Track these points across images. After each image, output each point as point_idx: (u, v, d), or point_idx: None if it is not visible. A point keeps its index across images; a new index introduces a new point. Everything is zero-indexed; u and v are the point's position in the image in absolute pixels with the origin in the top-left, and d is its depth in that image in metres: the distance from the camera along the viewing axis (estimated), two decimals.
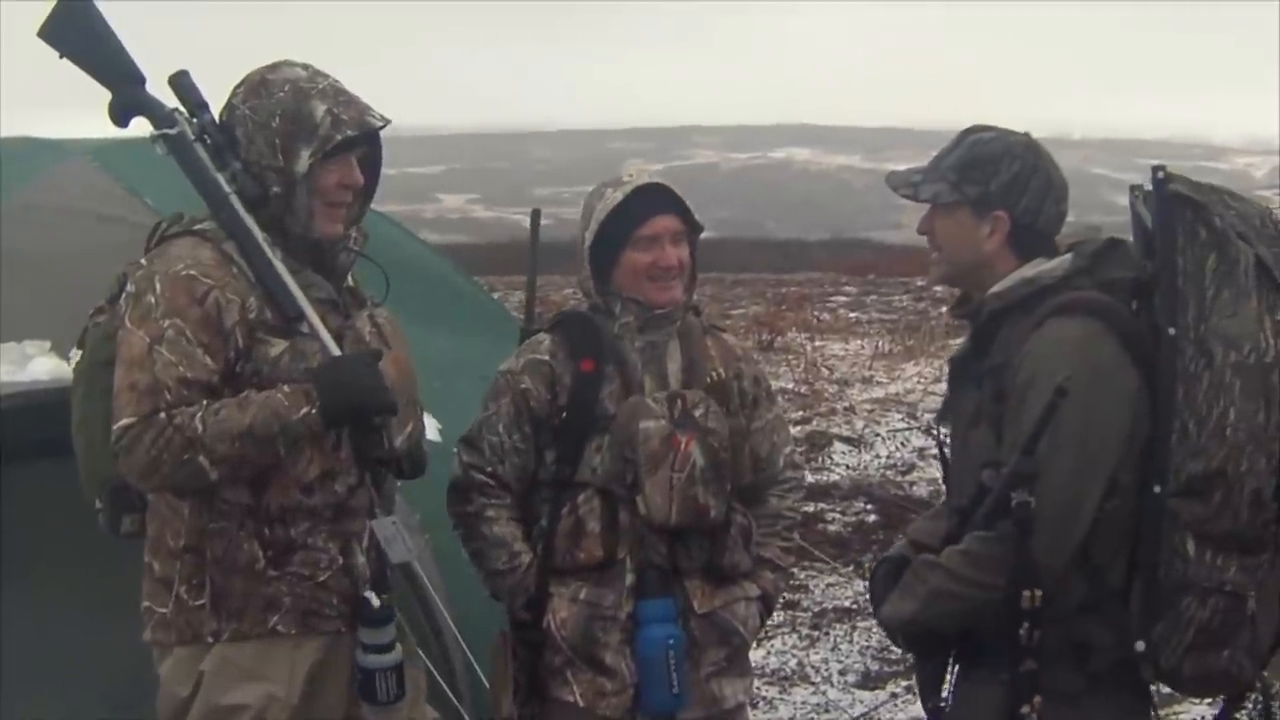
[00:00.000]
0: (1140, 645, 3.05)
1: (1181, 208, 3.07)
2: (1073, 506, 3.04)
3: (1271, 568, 3.06)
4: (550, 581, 3.71)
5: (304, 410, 3.15)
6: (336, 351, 3.23)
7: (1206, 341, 3.00)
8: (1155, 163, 3.23)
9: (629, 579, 3.69)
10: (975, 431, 3.24)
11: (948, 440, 3.42)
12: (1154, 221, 3.10)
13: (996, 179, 3.24)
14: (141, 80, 3.29)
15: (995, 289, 3.23)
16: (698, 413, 3.68)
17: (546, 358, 3.74)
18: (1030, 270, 3.20)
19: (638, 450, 3.62)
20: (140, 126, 3.31)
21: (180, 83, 3.29)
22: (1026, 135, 3.32)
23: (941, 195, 3.30)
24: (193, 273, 3.16)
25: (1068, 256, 3.22)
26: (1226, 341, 2.99)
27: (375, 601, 3.27)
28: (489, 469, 3.73)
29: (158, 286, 3.16)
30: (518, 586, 3.72)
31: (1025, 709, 3.06)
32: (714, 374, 3.81)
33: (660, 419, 3.65)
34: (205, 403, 3.11)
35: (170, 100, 3.29)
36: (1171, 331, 3.03)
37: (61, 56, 3.30)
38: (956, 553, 3.11)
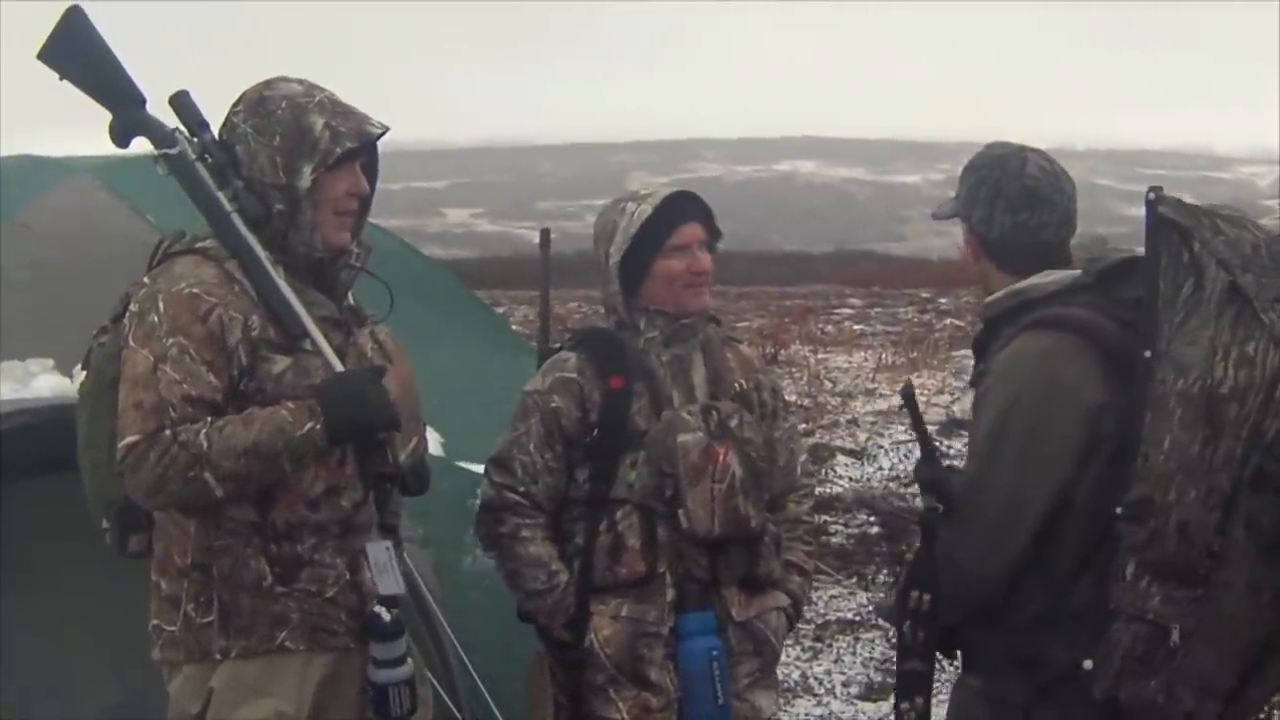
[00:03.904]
0: (1088, 664, 3.04)
1: (1168, 230, 3.04)
2: (1008, 518, 3.07)
3: (1209, 601, 2.97)
4: (590, 600, 3.70)
5: (309, 426, 3.14)
6: (340, 368, 3.23)
7: (1165, 367, 2.97)
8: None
9: (670, 593, 3.69)
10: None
11: None
12: (1145, 243, 3.08)
13: (961, 193, 3.34)
14: (142, 101, 3.29)
15: (989, 299, 3.30)
16: (733, 423, 3.70)
17: (575, 375, 3.73)
18: (1022, 283, 3.24)
19: (677, 464, 3.62)
20: (143, 145, 3.32)
21: (180, 103, 3.29)
22: (1001, 145, 3.37)
23: (943, 212, 3.44)
24: (196, 291, 3.16)
25: (1072, 271, 3.24)
26: (1178, 369, 2.95)
27: (386, 616, 3.27)
28: (522, 489, 3.72)
29: (161, 305, 3.16)
30: (557, 606, 3.70)
31: (904, 705, 3.15)
32: (738, 384, 3.84)
33: (697, 431, 3.65)
34: (210, 419, 3.11)
35: (170, 120, 3.30)
36: (1146, 354, 3.00)
37: (61, 78, 3.29)
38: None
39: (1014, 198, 3.25)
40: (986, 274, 3.34)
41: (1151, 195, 3.08)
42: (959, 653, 3.36)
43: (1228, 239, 3.01)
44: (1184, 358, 2.95)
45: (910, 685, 3.15)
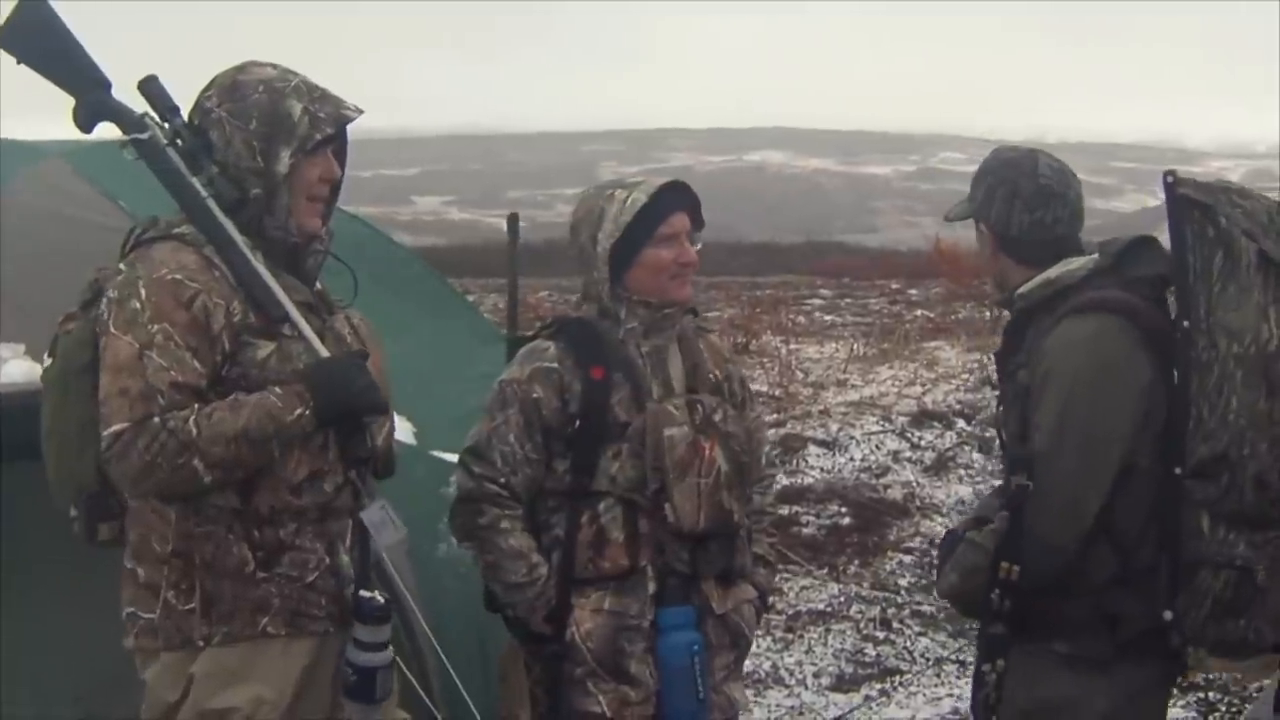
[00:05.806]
0: (1168, 615, 3.28)
1: (1190, 209, 3.28)
2: (1078, 494, 3.31)
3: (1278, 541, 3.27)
4: (570, 592, 3.68)
5: (298, 411, 3.15)
6: (324, 352, 3.23)
7: (1213, 334, 3.22)
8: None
9: (651, 587, 3.68)
10: (1010, 421, 3.51)
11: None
12: (1169, 223, 3.31)
13: (977, 195, 3.58)
14: (106, 85, 3.24)
15: (1021, 290, 3.53)
16: (717, 417, 3.71)
17: (554, 365, 3.68)
18: (1053, 272, 3.49)
19: (664, 459, 3.61)
20: (112, 130, 3.28)
21: (150, 88, 3.25)
22: (1010, 149, 3.63)
23: (956, 214, 3.68)
24: (178, 277, 3.15)
25: (1093, 256, 3.49)
26: (1229, 334, 3.21)
27: (379, 599, 3.27)
28: (501, 480, 3.67)
29: (143, 292, 3.14)
30: (538, 598, 3.66)
31: (986, 667, 3.41)
32: (713, 375, 3.83)
33: (683, 425, 3.65)
34: (196, 406, 3.10)
35: (139, 105, 3.26)
36: (1185, 325, 3.25)
37: (19, 63, 3.23)
38: (989, 531, 3.40)
39: (1030, 197, 3.50)
40: (1004, 269, 3.58)
41: (1170, 178, 3.33)
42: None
43: (1245, 210, 3.28)
44: (1232, 323, 3.22)
45: (993, 648, 3.39)
